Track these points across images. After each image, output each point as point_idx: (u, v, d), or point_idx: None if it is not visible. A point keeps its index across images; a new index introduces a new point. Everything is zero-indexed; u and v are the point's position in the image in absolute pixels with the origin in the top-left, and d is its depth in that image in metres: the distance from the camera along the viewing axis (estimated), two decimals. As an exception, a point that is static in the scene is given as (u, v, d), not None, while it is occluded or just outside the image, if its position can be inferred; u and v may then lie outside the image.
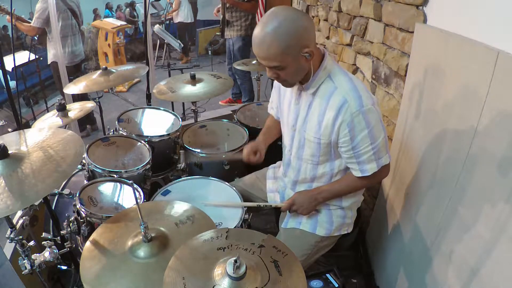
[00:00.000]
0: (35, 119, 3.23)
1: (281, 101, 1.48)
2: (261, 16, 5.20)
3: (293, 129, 1.39)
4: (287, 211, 1.44)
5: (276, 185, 1.63)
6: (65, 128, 1.46)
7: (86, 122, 3.90)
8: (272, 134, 1.69)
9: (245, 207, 1.49)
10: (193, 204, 1.30)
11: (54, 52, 3.38)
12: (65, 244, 1.45)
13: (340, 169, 1.36)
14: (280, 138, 1.59)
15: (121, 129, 1.95)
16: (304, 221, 1.45)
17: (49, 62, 3.44)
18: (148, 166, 1.72)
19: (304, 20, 1.14)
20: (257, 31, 1.13)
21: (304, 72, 1.22)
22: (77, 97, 2.92)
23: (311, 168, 1.38)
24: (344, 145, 1.24)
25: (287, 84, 1.27)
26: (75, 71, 3.56)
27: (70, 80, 2.59)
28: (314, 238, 1.44)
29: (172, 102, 3.67)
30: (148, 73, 2.54)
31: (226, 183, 1.65)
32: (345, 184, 1.36)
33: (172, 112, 2.19)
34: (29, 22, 3.37)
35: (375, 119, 1.19)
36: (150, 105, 2.63)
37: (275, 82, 1.53)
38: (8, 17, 3.22)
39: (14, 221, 1.49)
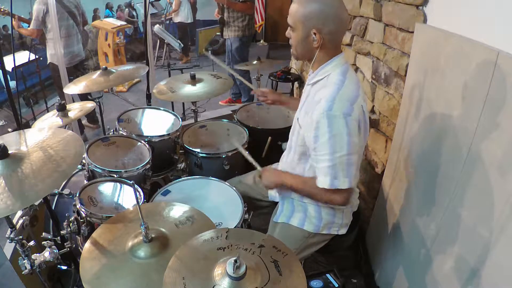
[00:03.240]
0: (35, 119, 3.23)
1: None
2: (260, 16, 5.21)
3: (297, 116, 1.44)
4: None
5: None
6: (65, 128, 1.46)
7: (88, 124, 3.92)
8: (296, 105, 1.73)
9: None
10: (193, 204, 1.30)
11: (51, 52, 3.39)
12: (65, 244, 1.45)
13: (312, 169, 1.35)
14: (280, 138, 1.59)
15: (121, 129, 1.95)
16: (293, 216, 1.47)
17: (47, 63, 3.45)
18: (148, 166, 1.72)
19: (337, 11, 1.20)
20: None
21: (307, 51, 1.28)
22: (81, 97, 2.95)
23: (292, 157, 1.43)
24: (310, 143, 1.26)
25: (292, 51, 1.32)
26: (75, 71, 3.56)
27: (70, 80, 2.59)
28: (303, 233, 1.45)
29: (172, 102, 3.67)
30: (148, 73, 2.54)
31: (226, 183, 1.65)
32: (304, 183, 1.35)
33: (172, 112, 2.19)
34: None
35: (339, 129, 1.17)
36: (150, 105, 2.63)
37: None
38: (13, 21, 3.26)
39: (14, 221, 1.49)
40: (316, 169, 1.27)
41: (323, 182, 1.23)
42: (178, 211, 1.26)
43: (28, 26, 3.45)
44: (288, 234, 1.45)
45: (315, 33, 1.20)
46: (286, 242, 1.36)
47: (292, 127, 1.47)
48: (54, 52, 3.36)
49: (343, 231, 1.49)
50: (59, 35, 3.31)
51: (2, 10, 3.18)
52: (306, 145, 1.31)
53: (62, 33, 3.40)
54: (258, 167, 1.52)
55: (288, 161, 1.47)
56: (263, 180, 1.46)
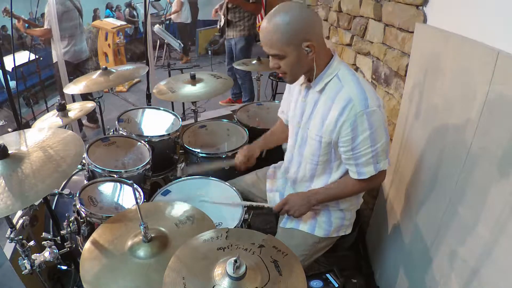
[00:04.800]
0: (35, 119, 3.23)
1: (290, 99, 1.49)
2: (261, 16, 5.22)
3: (298, 126, 1.40)
4: (282, 212, 1.41)
5: (276, 184, 1.63)
6: (65, 128, 1.46)
7: (87, 122, 3.92)
8: (274, 140, 1.70)
9: (244, 206, 1.49)
10: (193, 204, 1.30)
11: (65, 50, 3.46)
12: (65, 244, 1.45)
13: (338, 171, 1.36)
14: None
15: (121, 129, 1.95)
16: (302, 221, 1.45)
17: (55, 61, 3.47)
18: (148, 166, 1.72)
19: (310, 15, 1.18)
20: (264, 21, 1.18)
21: (304, 68, 1.23)
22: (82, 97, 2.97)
23: (310, 167, 1.38)
24: (345, 145, 1.24)
25: (287, 77, 1.27)
26: (75, 71, 3.61)
27: (70, 80, 2.59)
28: (313, 239, 1.44)
29: (172, 102, 3.67)
30: (148, 73, 2.54)
31: (226, 183, 1.65)
32: (341, 188, 1.35)
33: (172, 112, 2.19)
34: (37, 25, 3.41)
35: (378, 121, 1.18)
36: (150, 105, 2.63)
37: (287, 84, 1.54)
38: (16, 22, 3.30)
39: (14, 221, 1.48)
40: (354, 165, 1.26)
41: (368, 172, 1.25)
42: (178, 211, 1.26)
43: (29, 27, 3.46)
44: (298, 240, 1.44)
45: (308, 46, 1.15)
46: (296, 248, 1.38)
47: (296, 140, 1.42)
48: (66, 49, 3.44)
49: (349, 230, 1.50)
50: (57, 35, 3.34)
51: (7, 10, 3.20)
52: (332, 151, 1.30)
53: (72, 31, 3.48)
54: (270, 205, 1.46)
55: (306, 175, 1.41)
56: (291, 213, 1.36)
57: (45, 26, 3.32)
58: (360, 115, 1.16)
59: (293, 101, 1.44)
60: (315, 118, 1.30)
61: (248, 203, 1.51)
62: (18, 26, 3.41)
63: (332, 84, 1.25)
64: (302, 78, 1.34)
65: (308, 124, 1.33)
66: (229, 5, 3.80)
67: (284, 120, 1.65)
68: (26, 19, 3.50)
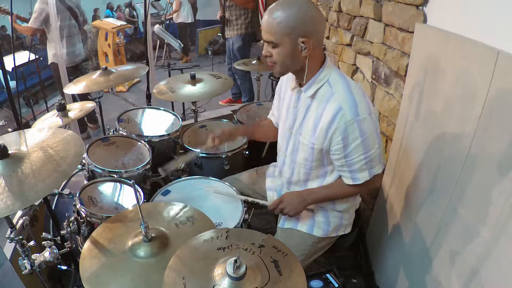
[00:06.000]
0: (35, 119, 3.23)
1: (281, 104, 1.48)
2: (261, 16, 5.21)
3: (290, 132, 1.39)
4: (277, 210, 1.40)
5: (275, 183, 1.63)
6: (65, 129, 1.46)
7: (87, 123, 3.91)
8: (260, 132, 1.70)
9: (242, 200, 1.52)
10: (193, 204, 1.30)
11: (54, 52, 3.38)
12: (65, 244, 1.45)
13: (333, 174, 1.36)
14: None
15: (121, 129, 1.95)
16: (301, 221, 1.45)
17: (49, 63, 3.44)
18: (148, 166, 1.72)
19: (314, 13, 1.16)
20: (271, 6, 1.17)
21: (295, 64, 1.21)
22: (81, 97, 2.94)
23: (304, 171, 1.38)
24: (337, 153, 1.23)
25: (276, 68, 1.23)
26: (75, 71, 3.56)
27: (70, 80, 2.59)
28: (311, 238, 1.44)
29: (172, 102, 3.67)
30: (148, 73, 2.54)
31: (226, 183, 1.65)
32: (337, 189, 1.35)
33: (172, 112, 2.19)
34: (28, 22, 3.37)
35: (370, 129, 1.17)
36: (150, 105, 2.63)
37: (277, 87, 1.54)
38: (9, 17, 3.24)
39: (14, 221, 1.49)
40: (347, 172, 1.26)
41: (362, 177, 1.25)
42: (178, 210, 1.26)
43: (23, 23, 3.42)
44: (297, 240, 1.44)
45: (303, 42, 1.14)
46: (295, 248, 1.37)
47: (288, 145, 1.41)
48: (55, 52, 3.34)
49: (348, 230, 1.50)
50: (58, 35, 3.30)
51: (2, 9, 3.16)
52: (324, 157, 1.30)
53: (64, 32, 3.40)
54: (267, 203, 1.43)
55: (300, 178, 1.41)
56: (286, 211, 1.35)
57: (29, 24, 3.21)
58: (351, 123, 1.15)
59: (284, 107, 1.43)
60: (307, 124, 1.29)
61: (244, 197, 1.52)
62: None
63: (323, 90, 1.24)
64: (293, 83, 1.33)
65: (300, 130, 1.33)
66: (227, 3, 3.78)
67: (274, 122, 1.65)
68: (21, 15, 3.44)
